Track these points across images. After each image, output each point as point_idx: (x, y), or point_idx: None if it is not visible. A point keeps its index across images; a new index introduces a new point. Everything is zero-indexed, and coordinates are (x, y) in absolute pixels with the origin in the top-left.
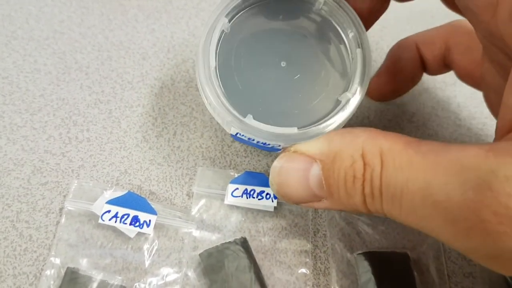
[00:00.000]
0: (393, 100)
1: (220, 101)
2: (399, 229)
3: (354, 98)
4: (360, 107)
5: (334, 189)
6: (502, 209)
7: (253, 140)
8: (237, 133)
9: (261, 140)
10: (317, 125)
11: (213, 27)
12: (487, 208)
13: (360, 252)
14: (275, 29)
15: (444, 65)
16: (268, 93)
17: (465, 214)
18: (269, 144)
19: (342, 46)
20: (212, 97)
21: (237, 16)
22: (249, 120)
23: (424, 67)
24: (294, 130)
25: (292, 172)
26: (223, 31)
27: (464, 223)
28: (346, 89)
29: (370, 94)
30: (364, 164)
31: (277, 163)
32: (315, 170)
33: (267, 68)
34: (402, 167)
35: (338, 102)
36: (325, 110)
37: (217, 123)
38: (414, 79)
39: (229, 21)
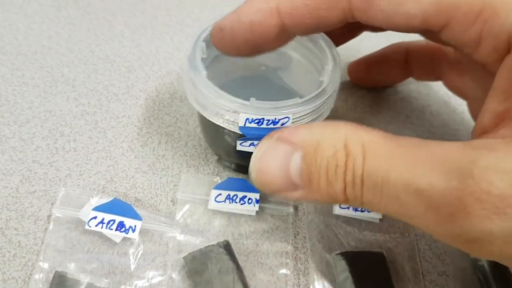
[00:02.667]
0: (368, 104)
1: (222, 95)
2: (375, 230)
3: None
4: (337, 117)
5: (315, 177)
6: (485, 196)
7: (262, 122)
8: (246, 120)
9: (271, 118)
10: (315, 95)
11: (196, 45)
12: (470, 195)
13: (337, 252)
14: None
15: (432, 74)
16: (254, 91)
17: (449, 200)
18: (278, 121)
19: (315, 55)
20: (212, 95)
21: None
22: (254, 102)
23: (410, 72)
24: (297, 100)
25: (273, 159)
26: (203, 48)
27: (447, 209)
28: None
29: (348, 71)
30: (346, 154)
31: (258, 150)
32: (296, 158)
33: (249, 72)
34: (384, 157)
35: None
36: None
37: (200, 132)
38: (393, 79)
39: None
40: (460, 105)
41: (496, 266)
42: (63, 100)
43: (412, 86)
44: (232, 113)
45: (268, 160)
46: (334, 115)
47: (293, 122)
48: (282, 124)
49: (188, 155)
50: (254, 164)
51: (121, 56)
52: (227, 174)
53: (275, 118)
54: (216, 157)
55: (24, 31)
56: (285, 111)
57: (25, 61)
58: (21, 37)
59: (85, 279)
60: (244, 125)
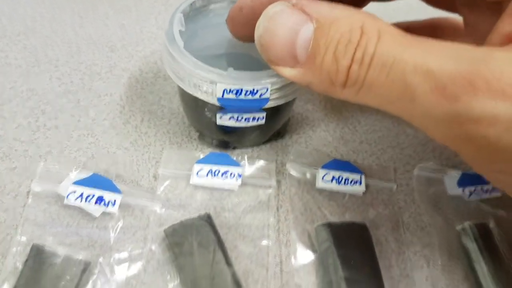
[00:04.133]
0: None
1: (199, 65)
2: (358, 203)
3: None
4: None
5: (321, 50)
6: (495, 81)
7: (240, 92)
8: (224, 91)
9: (249, 88)
10: None
11: (174, 16)
12: (480, 78)
13: (319, 223)
14: None
15: None
16: (234, 65)
17: (457, 81)
18: (256, 92)
19: None
20: (190, 65)
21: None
22: (232, 71)
23: None
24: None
25: (283, 22)
26: (181, 20)
27: (454, 88)
28: None
29: None
30: (362, 33)
31: (270, 9)
32: (308, 30)
33: (230, 47)
34: (399, 42)
35: None
36: None
37: (183, 111)
38: None
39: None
40: None
41: (482, 236)
42: (45, 79)
43: None
44: (210, 83)
45: (278, 23)
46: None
47: (271, 93)
48: (261, 95)
49: (171, 132)
50: (263, 21)
51: (104, 36)
52: (210, 150)
53: (253, 89)
54: (198, 134)
55: (8, 13)
56: (264, 81)
57: (9, 42)
58: (5, 20)
59: (62, 251)
60: (222, 96)
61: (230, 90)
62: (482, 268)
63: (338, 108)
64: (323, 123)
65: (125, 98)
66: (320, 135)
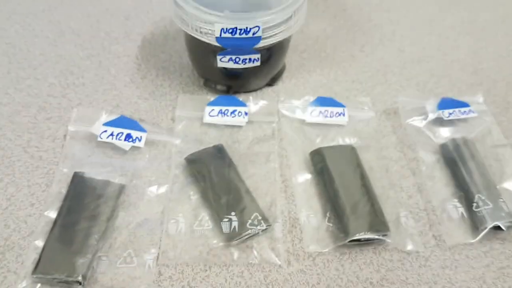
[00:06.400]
0: (345, 35)
1: (200, 9)
2: (343, 132)
3: None
4: (318, 40)
5: None
6: None
7: (235, 32)
8: (221, 30)
9: (243, 27)
10: (284, 7)
11: None
12: None
13: (312, 150)
14: None
15: None
16: (229, 6)
17: None
18: (249, 31)
19: None
20: (191, 9)
21: None
22: (228, 13)
23: None
24: (267, 12)
25: None
26: None
27: None
28: None
29: None
30: None
31: None
32: None
33: None
34: None
35: None
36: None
37: (189, 59)
38: None
39: None
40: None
41: (461, 147)
42: (70, 46)
43: (383, 13)
44: (209, 24)
45: None
46: (317, 40)
47: (263, 32)
48: (254, 34)
49: (183, 83)
50: None
51: (119, 8)
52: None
53: (247, 27)
54: (203, 81)
55: None
56: (256, 20)
57: (34, 18)
58: None
59: (100, 177)
60: (220, 35)
61: (226, 30)
62: (466, 170)
63: (331, 55)
64: (318, 68)
65: (140, 57)
66: (316, 79)
